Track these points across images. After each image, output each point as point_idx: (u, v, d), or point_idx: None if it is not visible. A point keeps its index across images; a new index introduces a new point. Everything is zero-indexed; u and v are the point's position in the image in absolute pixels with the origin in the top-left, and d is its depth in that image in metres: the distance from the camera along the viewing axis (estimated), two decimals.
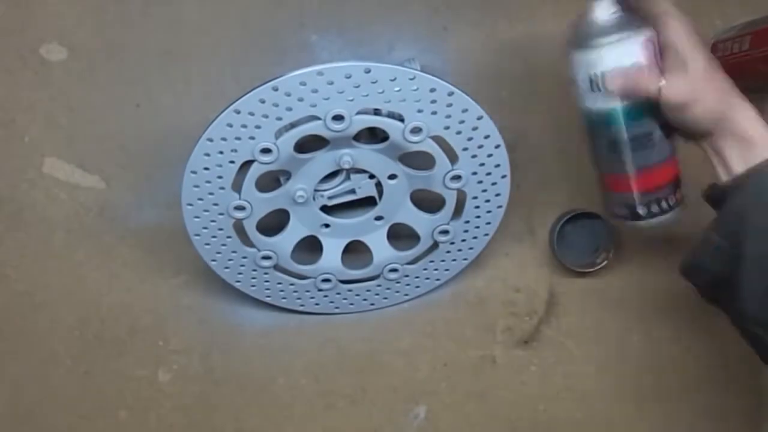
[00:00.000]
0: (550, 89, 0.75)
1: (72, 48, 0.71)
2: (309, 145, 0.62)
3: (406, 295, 0.74)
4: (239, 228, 0.65)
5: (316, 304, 0.72)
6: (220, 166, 0.61)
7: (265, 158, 0.61)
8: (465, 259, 0.72)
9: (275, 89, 0.57)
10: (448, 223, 0.68)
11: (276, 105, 0.58)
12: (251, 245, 0.67)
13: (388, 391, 0.76)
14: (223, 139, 0.59)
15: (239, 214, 0.64)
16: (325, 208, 0.67)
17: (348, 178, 0.66)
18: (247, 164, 0.62)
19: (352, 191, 0.66)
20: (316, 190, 0.65)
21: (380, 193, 0.67)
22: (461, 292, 0.76)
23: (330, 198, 0.66)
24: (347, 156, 0.63)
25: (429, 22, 0.73)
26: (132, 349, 0.73)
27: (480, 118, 0.61)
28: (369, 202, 0.67)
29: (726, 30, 0.74)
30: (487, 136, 0.63)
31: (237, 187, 0.63)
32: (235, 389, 0.74)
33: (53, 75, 0.72)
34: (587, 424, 0.77)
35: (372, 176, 0.66)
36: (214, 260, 0.67)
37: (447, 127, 0.61)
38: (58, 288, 0.73)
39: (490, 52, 0.73)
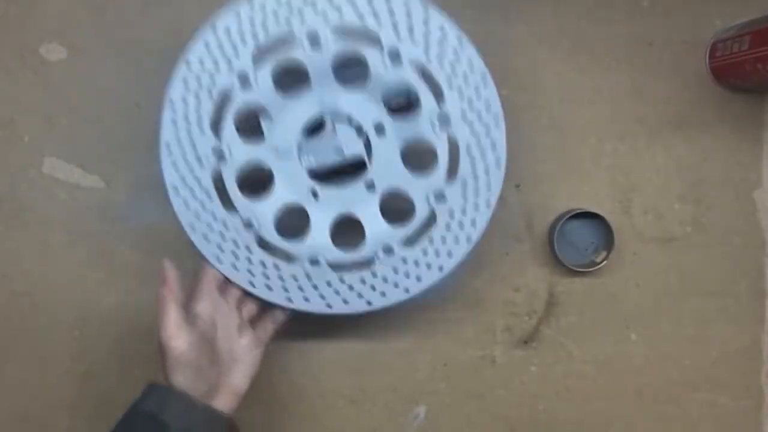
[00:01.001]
0: (551, 89, 0.75)
1: (72, 48, 0.72)
2: (290, 85, 0.63)
3: (406, 289, 0.68)
4: (221, 189, 0.64)
5: (306, 299, 0.67)
6: (198, 98, 0.62)
7: (244, 91, 0.62)
8: (468, 239, 0.66)
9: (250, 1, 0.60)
10: (443, 187, 0.66)
11: (251, 22, 0.60)
12: (232, 208, 0.65)
13: (388, 391, 0.76)
14: (201, 62, 0.61)
15: (218, 162, 0.63)
16: (312, 175, 0.65)
17: (333, 129, 0.64)
18: (227, 106, 0.63)
19: (340, 151, 0.65)
20: (300, 149, 0.64)
21: (369, 157, 0.65)
22: (461, 292, 0.76)
23: (316, 157, 0.65)
24: (329, 96, 0.63)
25: None
26: (132, 349, 0.73)
27: (460, 40, 0.63)
28: (359, 170, 0.66)
29: (726, 30, 0.74)
30: (471, 66, 0.63)
31: (216, 132, 0.63)
32: None
33: (53, 75, 0.72)
34: (587, 424, 0.77)
35: (359, 132, 0.65)
36: (192, 227, 0.65)
37: (426, 52, 0.63)
38: (58, 288, 0.73)
39: (490, 51, 0.73)
